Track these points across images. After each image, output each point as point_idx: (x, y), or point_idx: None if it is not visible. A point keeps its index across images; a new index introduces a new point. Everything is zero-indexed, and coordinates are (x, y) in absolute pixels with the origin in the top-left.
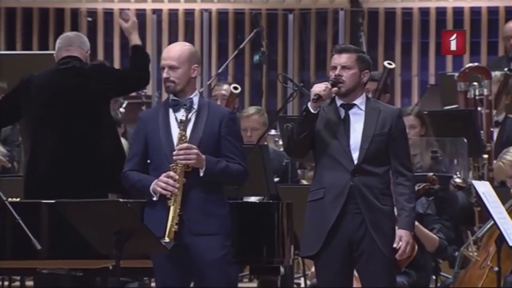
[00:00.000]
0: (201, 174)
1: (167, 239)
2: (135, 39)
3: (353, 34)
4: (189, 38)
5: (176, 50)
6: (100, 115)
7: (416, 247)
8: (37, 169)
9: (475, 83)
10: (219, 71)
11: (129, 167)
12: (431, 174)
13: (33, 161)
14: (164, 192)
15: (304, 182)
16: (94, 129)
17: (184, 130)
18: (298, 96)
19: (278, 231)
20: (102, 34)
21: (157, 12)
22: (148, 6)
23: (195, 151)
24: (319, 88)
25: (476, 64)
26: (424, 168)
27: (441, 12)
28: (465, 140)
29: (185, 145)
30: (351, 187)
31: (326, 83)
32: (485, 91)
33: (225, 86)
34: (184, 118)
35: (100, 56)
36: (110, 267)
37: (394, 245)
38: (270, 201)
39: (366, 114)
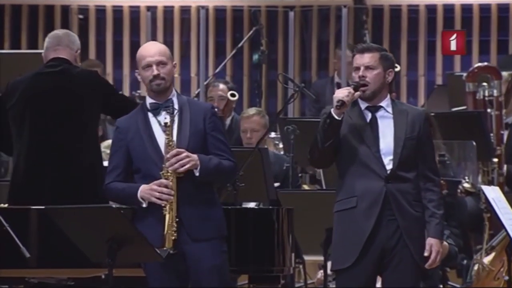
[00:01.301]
0: (197, 174)
1: (166, 249)
2: None
3: (357, 32)
4: (185, 37)
5: (159, 46)
6: (85, 123)
7: None
8: (18, 176)
9: (484, 84)
10: (217, 71)
11: (111, 179)
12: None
13: (15, 168)
14: (159, 201)
15: (306, 187)
16: (77, 137)
17: (171, 135)
18: (299, 97)
19: (278, 238)
20: (94, 32)
21: (151, 9)
22: (142, 2)
23: (185, 154)
24: (342, 93)
25: (485, 63)
26: None
27: (448, 9)
28: (474, 143)
29: (174, 151)
30: (386, 194)
31: (349, 88)
32: (495, 92)
33: (221, 86)
34: (168, 121)
35: (92, 55)
36: (103, 276)
37: (425, 254)
38: (270, 207)
39: (395, 117)
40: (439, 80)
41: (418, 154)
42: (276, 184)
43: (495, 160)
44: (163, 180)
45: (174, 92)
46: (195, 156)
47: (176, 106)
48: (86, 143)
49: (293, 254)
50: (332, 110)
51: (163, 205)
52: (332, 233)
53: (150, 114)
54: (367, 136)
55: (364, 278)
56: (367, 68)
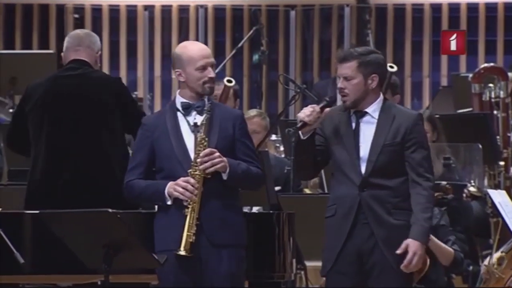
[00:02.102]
0: (225, 178)
1: (182, 251)
2: None
3: (360, 32)
4: (183, 36)
5: (208, 49)
6: (105, 129)
7: (428, 260)
8: (34, 179)
9: (491, 85)
10: (216, 71)
11: (134, 177)
12: (443, 183)
13: (32, 171)
14: (181, 196)
15: (307, 191)
16: (95, 142)
17: (204, 133)
18: (300, 98)
19: (278, 243)
20: (107, 34)
21: (149, 8)
22: (139, 1)
23: (218, 154)
24: (303, 113)
25: (491, 64)
26: (436, 177)
27: (454, 8)
28: (480, 146)
29: (208, 150)
30: (360, 202)
31: (314, 106)
32: (501, 93)
33: (222, 86)
34: (199, 122)
35: (105, 60)
36: (99, 283)
37: (398, 251)
38: (270, 211)
39: (378, 122)
40: (444, 81)
41: (404, 160)
42: (277, 188)
43: (502, 163)
44: (189, 178)
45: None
46: (225, 158)
47: (207, 107)
48: (106, 148)
49: (294, 260)
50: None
51: (185, 204)
52: None
53: (179, 114)
54: (349, 143)
55: (348, 282)
56: (345, 78)
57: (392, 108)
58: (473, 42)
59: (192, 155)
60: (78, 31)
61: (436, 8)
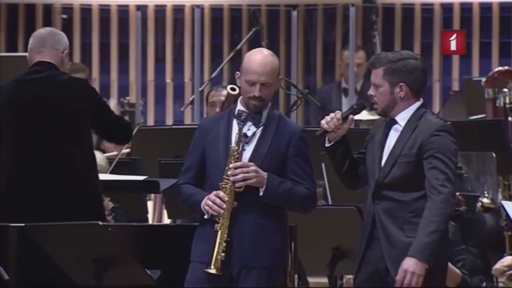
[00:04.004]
0: (261, 194)
1: (213, 269)
2: None
3: (366, 33)
4: (178, 38)
5: (271, 65)
6: (72, 134)
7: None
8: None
9: (505, 90)
10: (213, 75)
11: (184, 180)
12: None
13: None
14: (210, 211)
15: None
16: (62, 148)
17: (238, 145)
18: (302, 104)
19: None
20: (78, 34)
21: (141, 8)
22: (132, 1)
23: (253, 168)
24: (324, 120)
25: (506, 67)
26: None
27: (466, 8)
28: (494, 154)
29: (239, 163)
30: (374, 217)
31: (337, 112)
32: None
33: (225, 92)
34: (245, 131)
35: (77, 58)
36: None
37: (397, 278)
38: None
39: (402, 131)
40: (455, 86)
41: (421, 173)
42: None
43: None
44: (219, 192)
45: (268, 105)
46: (264, 173)
47: (263, 120)
48: (74, 154)
49: (296, 276)
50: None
51: (215, 219)
52: (338, 252)
53: (234, 121)
54: (377, 151)
55: None
56: (374, 85)
57: (421, 117)
58: (487, 44)
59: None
60: (42, 30)
61: (447, 8)
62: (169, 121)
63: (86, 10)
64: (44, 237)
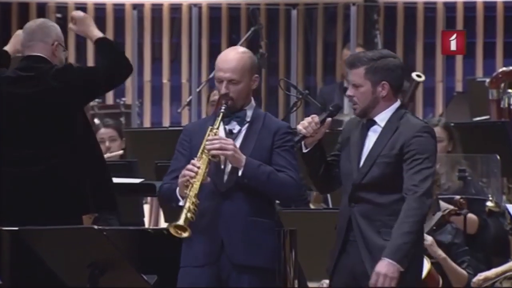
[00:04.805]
0: (240, 174)
1: (180, 222)
2: (95, 33)
3: (367, 33)
4: (175, 38)
5: (237, 61)
6: (68, 128)
7: (441, 281)
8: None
9: (510, 90)
10: (211, 76)
11: (168, 181)
12: (458, 197)
13: None
14: (183, 179)
15: (311, 205)
16: (63, 145)
17: (218, 128)
18: (302, 105)
19: (279, 263)
20: (73, 33)
21: (138, 7)
22: (128, 0)
23: (232, 142)
24: (301, 124)
25: (510, 68)
26: (452, 190)
27: (469, 7)
28: (498, 157)
29: (219, 136)
30: (350, 218)
31: (313, 116)
32: None
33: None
34: (236, 130)
35: (71, 58)
36: None
37: (371, 282)
38: None
39: (382, 132)
40: (459, 87)
41: (399, 175)
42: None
43: None
44: (192, 160)
45: (252, 104)
46: (243, 155)
47: (248, 118)
48: (67, 153)
49: (296, 281)
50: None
51: (186, 183)
52: None
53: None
54: (353, 153)
55: None
56: (354, 86)
57: (401, 118)
58: (491, 44)
59: (228, 167)
60: (31, 23)
61: (450, 7)
62: (166, 122)
63: (81, 9)
64: (38, 241)
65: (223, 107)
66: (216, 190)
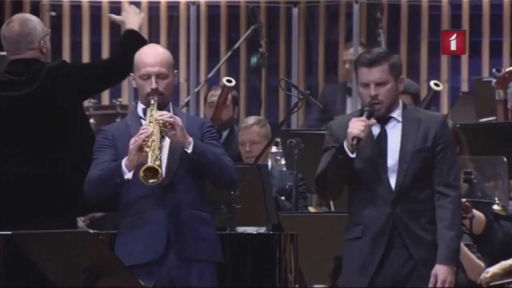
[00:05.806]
0: (189, 151)
1: (150, 163)
2: (133, 24)
3: (370, 31)
4: (173, 37)
5: (162, 55)
6: (67, 127)
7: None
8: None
9: None
10: (209, 76)
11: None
12: (463, 200)
13: None
14: (139, 141)
15: (311, 209)
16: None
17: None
18: (304, 106)
19: (280, 267)
20: (68, 32)
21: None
22: None
23: (180, 121)
24: (356, 129)
25: None
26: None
27: (475, 5)
28: (505, 158)
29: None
30: (394, 222)
31: (363, 119)
32: None
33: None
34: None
35: (66, 57)
36: None
37: (430, 286)
38: (271, 232)
39: (404, 127)
40: (464, 87)
41: (432, 168)
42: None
43: None
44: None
45: (170, 104)
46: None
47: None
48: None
49: (297, 286)
50: (345, 144)
51: (143, 143)
52: (341, 261)
53: (143, 121)
54: (375, 154)
55: None
56: (378, 84)
57: (414, 111)
58: (497, 43)
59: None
60: (9, 29)
61: (456, 5)
62: None
63: (76, 7)
64: (32, 246)
65: (155, 98)
66: (157, 184)
